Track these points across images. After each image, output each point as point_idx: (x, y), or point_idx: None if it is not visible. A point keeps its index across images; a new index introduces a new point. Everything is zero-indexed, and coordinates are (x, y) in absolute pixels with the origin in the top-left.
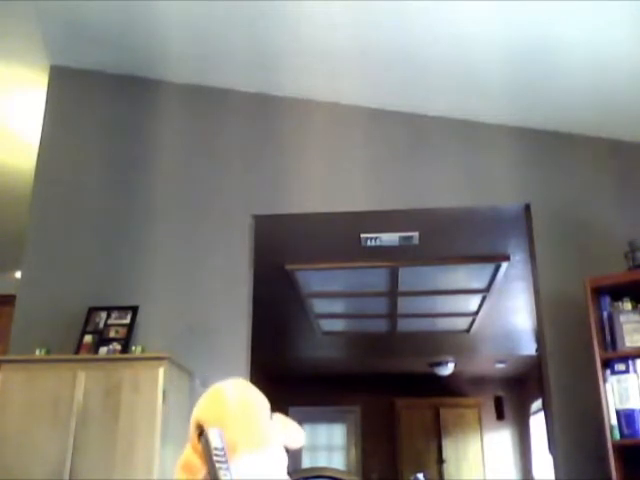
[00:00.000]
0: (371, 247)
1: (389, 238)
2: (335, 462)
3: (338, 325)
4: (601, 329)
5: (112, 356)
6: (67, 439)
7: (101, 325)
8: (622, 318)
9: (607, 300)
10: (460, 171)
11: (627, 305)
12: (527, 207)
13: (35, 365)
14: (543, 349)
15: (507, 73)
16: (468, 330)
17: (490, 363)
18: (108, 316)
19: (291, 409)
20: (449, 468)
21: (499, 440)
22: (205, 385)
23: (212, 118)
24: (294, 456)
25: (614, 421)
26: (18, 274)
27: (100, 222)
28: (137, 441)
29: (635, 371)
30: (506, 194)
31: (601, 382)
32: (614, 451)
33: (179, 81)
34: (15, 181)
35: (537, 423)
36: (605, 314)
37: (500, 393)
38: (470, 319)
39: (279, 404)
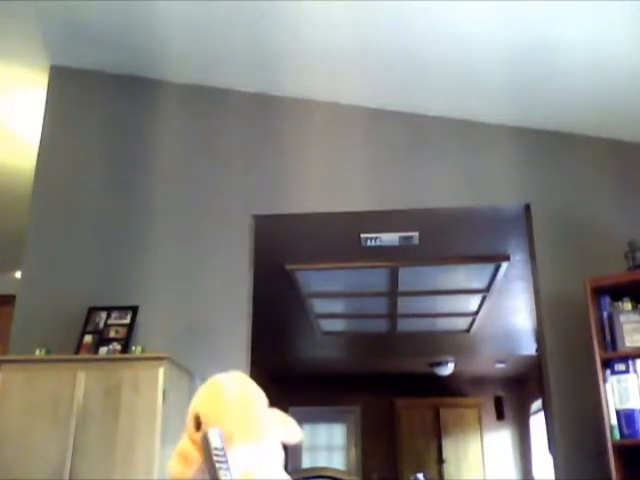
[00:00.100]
0: (371, 247)
1: (389, 238)
2: (335, 462)
3: (338, 325)
4: (601, 329)
5: (112, 356)
6: (67, 439)
7: (101, 325)
8: (622, 318)
9: (607, 300)
10: (460, 171)
11: (627, 305)
12: (527, 207)
13: (35, 365)
14: (543, 349)
15: (507, 73)
16: (468, 330)
17: (490, 363)
18: (108, 316)
19: (291, 409)
20: (449, 468)
21: (499, 440)
22: None
23: (212, 118)
24: (294, 456)
25: (614, 421)
26: (18, 274)
27: (100, 222)
28: (137, 441)
29: (635, 371)
30: (506, 194)
31: (601, 382)
32: (614, 451)
33: (179, 81)
34: (15, 181)
35: (537, 423)
36: (605, 314)
37: (500, 393)
38: (470, 319)
39: (279, 404)
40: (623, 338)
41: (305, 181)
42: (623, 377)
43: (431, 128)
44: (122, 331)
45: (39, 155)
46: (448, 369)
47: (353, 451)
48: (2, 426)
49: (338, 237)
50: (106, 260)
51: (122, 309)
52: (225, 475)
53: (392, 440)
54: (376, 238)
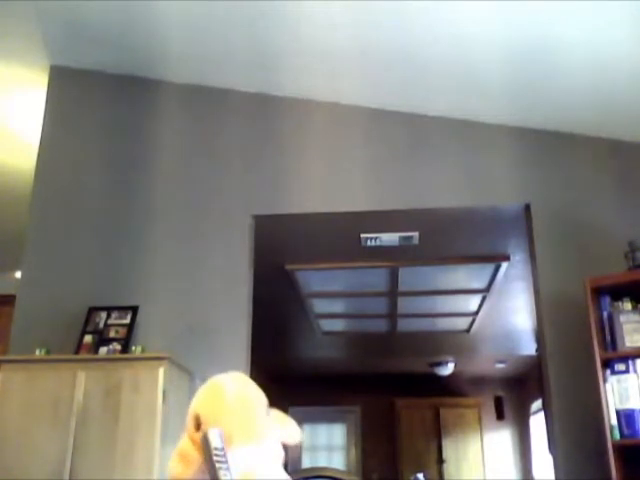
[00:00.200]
0: (371, 247)
1: (389, 238)
2: (335, 462)
3: (338, 325)
4: (601, 329)
5: (112, 356)
6: (67, 439)
7: (101, 325)
8: (622, 318)
9: (607, 300)
10: (460, 171)
11: (627, 305)
12: (527, 207)
13: (35, 365)
14: (543, 349)
15: (507, 73)
16: (468, 330)
17: (490, 363)
18: (108, 316)
19: (291, 409)
20: (449, 468)
21: (499, 440)
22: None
23: (212, 118)
24: (294, 456)
25: (614, 421)
26: (18, 274)
27: (100, 222)
28: (137, 441)
29: (635, 371)
30: (506, 194)
31: (601, 382)
32: (614, 451)
33: (179, 81)
34: (15, 181)
35: (537, 423)
36: (605, 314)
37: (500, 393)
38: (470, 319)
39: (279, 404)
40: (623, 338)
41: (305, 181)
42: (623, 377)
43: (431, 128)
44: (122, 331)
45: (39, 155)
46: (448, 369)
47: (353, 451)
48: (2, 426)
49: (338, 237)
50: (106, 260)
51: (122, 309)
52: (225, 475)
53: (392, 440)
54: (376, 238)
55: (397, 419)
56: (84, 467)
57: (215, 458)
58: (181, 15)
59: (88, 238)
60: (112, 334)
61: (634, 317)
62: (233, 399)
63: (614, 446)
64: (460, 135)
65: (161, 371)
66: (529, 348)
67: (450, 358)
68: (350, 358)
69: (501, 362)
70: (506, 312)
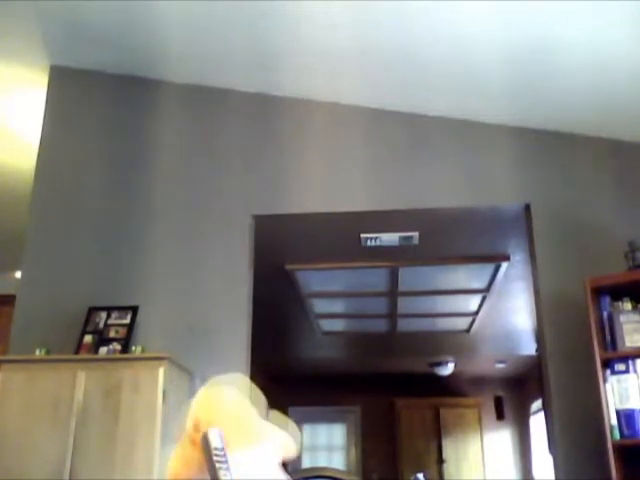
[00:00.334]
0: (371, 247)
1: (389, 238)
2: (335, 462)
3: (338, 325)
4: (601, 329)
5: (112, 356)
6: (67, 439)
7: (101, 325)
8: (622, 318)
9: (607, 300)
10: (460, 171)
11: (627, 305)
12: (527, 207)
13: (35, 365)
14: (543, 349)
15: (507, 73)
16: (468, 330)
17: (490, 363)
18: (108, 316)
19: (291, 409)
20: (449, 468)
21: (499, 440)
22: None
23: (212, 118)
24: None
25: (614, 421)
26: (18, 274)
27: (100, 222)
28: (137, 441)
29: (635, 371)
30: (506, 194)
31: (601, 382)
32: (614, 451)
33: (179, 81)
34: (15, 181)
35: (537, 423)
36: (605, 314)
37: (500, 393)
38: (470, 319)
39: (279, 404)
40: (623, 338)
41: (305, 181)
42: (623, 377)
43: (431, 128)
44: (122, 331)
45: (39, 155)
46: (448, 369)
47: (353, 451)
48: (2, 426)
49: (338, 237)
50: (106, 260)
51: (122, 309)
52: (225, 475)
53: (392, 440)
54: (376, 238)
55: (397, 419)
56: (84, 467)
57: (215, 458)
58: (181, 15)
59: (88, 238)
60: (112, 334)
61: (634, 317)
62: (230, 403)
63: (614, 446)
64: (460, 135)
65: (161, 371)
66: (529, 348)
67: (450, 358)
68: (350, 358)
69: (501, 362)
70: (506, 312)
